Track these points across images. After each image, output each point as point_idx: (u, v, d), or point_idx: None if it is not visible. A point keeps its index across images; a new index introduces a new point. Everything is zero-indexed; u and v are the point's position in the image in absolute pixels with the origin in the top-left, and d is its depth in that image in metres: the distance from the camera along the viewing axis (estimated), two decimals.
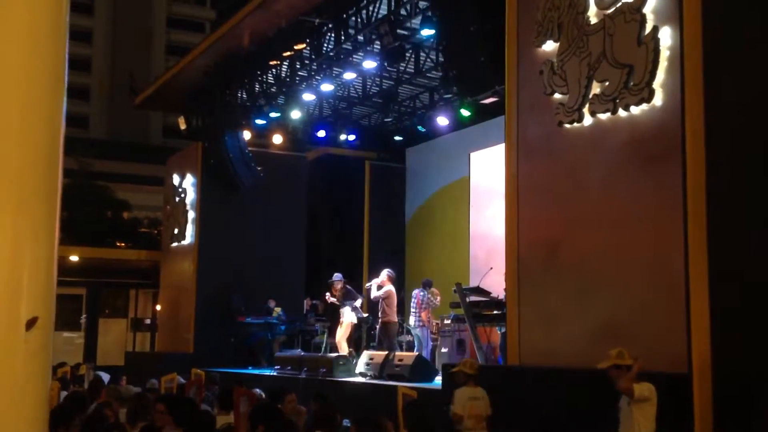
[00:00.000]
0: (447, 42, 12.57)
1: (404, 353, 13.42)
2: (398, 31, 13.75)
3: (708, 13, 7.70)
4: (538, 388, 8.74)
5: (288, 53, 15.64)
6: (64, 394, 9.89)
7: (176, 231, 20.95)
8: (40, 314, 1.82)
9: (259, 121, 18.97)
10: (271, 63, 16.61)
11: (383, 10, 13.81)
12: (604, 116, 8.70)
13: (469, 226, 17.19)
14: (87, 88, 46.86)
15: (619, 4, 8.58)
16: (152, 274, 23.45)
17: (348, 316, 15.03)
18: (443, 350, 13.64)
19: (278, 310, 18.30)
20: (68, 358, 20.51)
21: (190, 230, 20.33)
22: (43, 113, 1.87)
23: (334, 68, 16.58)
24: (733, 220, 7.73)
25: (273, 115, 18.49)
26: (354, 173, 20.94)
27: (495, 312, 11.38)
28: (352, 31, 14.72)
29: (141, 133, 44.50)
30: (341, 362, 13.84)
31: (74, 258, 23.82)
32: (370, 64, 15.44)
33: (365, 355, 13.55)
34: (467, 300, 11.69)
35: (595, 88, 8.78)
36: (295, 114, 18.31)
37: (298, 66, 16.42)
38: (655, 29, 8.18)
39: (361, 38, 14.85)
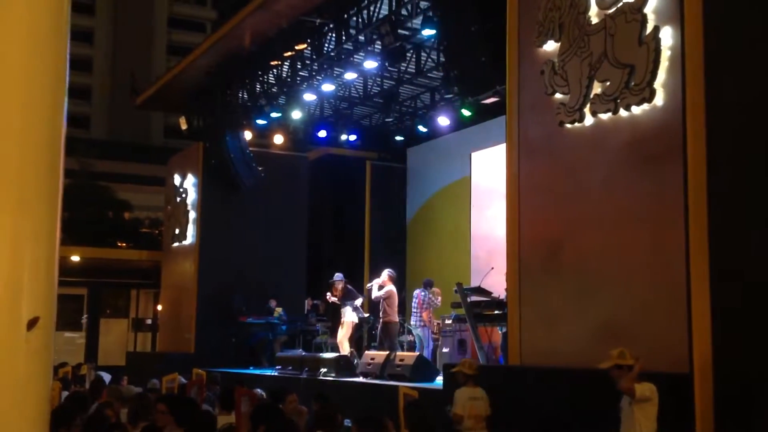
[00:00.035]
0: (448, 42, 12.58)
1: (405, 353, 13.42)
2: (399, 31, 13.75)
3: (709, 12, 7.70)
4: (539, 388, 8.74)
5: (289, 53, 15.64)
6: (65, 394, 9.90)
7: (177, 231, 20.97)
8: (41, 314, 1.82)
9: (260, 121, 18.98)
10: (272, 63, 16.62)
11: (384, 10, 13.81)
12: (605, 116, 8.70)
13: (470, 226, 17.17)
14: (88, 88, 46.87)
15: (620, 4, 8.58)
16: (153, 274, 23.46)
17: (349, 316, 15.03)
18: (444, 350, 13.64)
19: (279, 310, 18.30)
20: (69, 358, 20.52)
21: (191, 230, 20.34)
22: (44, 113, 1.87)
23: (335, 68, 16.58)
24: (734, 220, 7.73)
25: (274, 115, 18.50)
26: (355, 173, 20.93)
27: (496, 312, 11.38)
28: (353, 31, 14.72)
29: (142, 133, 44.51)
30: (342, 362, 13.85)
31: (75, 258, 23.82)
32: (371, 64, 15.44)
33: (366, 355, 13.55)
34: (468, 300, 11.69)
35: (596, 88, 8.78)
36: (296, 114, 18.32)
37: (299, 66, 16.43)
38: (656, 29, 8.18)
39: (362, 38, 14.85)
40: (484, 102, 13.17)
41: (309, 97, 17.68)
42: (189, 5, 51.07)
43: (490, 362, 11.50)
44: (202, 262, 19.72)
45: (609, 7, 8.71)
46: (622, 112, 8.49)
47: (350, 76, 16.62)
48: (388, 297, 14.20)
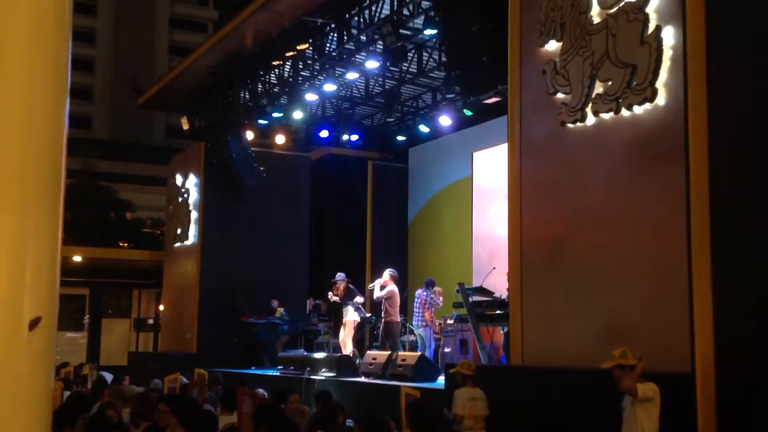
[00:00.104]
0: (449, 42, 12.57)
1: (407, 353, 13.42)
2: (401, 30, 13.75)
3: (711, 12, 7.70)
4: (540, 388, 8.73)
5: (291, 53, 15.64)
6: (67, 394, 9.91)
7: (179, 231, 20.98)
8: (43, 314, 1.82)
9: (261, 121, 19.00)
10: (273, 63, 16.62)
11: (386, 10, 13.81)
12: (607, 116, 8.69)
13: (471, 226, 17.18)
14: (90, 88, 46.94)
15: (622, 3, 8.57)
16: (155, 274, 23.48)
17: (351, 315, 15.05)
18: (446, 350, 13.65)
19: (281, 310, 18.31)
20: (71, 358, 20.56)
21: (193, 230, 20.36)
22: (46, 113, 1.87)
23: (337, 68, 16.58)
24: (737, 220, 7.72)
25: (276, 115, 18.51)
26: (356, 173, 20.94)
27: (498, 312, 11.38)
28: (354, 31, 14.72)
29: (144, 133, 44.57)
30: (344, 362, 13.85)
31: (77, 258, 23.84)
32: (372, 64, 15.44)
33: (368, 355, 13.55)
34: (470, 300, 11.70)
35: (598, 88, 8.77)
36: (298, 114, 18.33)
37: (300, 66, 16.43)
38: (658, 29, 8.17)
39: (364, 38, 14.85)
40: (485, 102, 13.17)
41: (311, 97, 17.69)
42: (191, 5, 51.12)
43: (492, 362, 11.50)
44: (204, 262, 19.74)
45: (611, 7, 8.70)
46: (624, 112, 8.48)
47: (352, 76, 16.62)
48: (389, 297, 14.20)
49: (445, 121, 17.78)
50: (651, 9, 8.28)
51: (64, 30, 1.93)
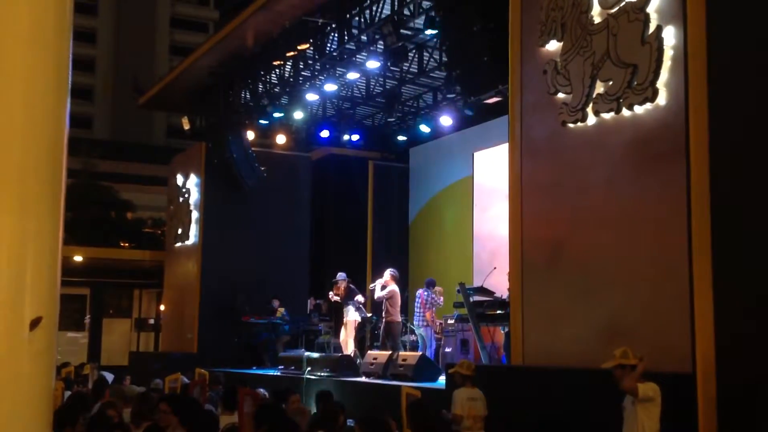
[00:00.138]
0: (450, 42, 12.57)
1: (408, 353, 13.42)
2: (401, 30, 13.75)
3: (712, 12, 7.70)
4: (541, 388, 8.73)
5: (291, 53, 15.64)
6: (68, 394, 9.91)
7: (180, 231, 20.98)
8: (44, 314, 1.82)
9: (262, 121, 19.00)
10: (274, 63, 16.63)
11: (386, 10, 13.81)
12: (607, 116, 8.69)
13: (472, 226, 17.18)
14: (91, 88, 46.96)
15: (623, 3, 8.57)
16: (156, 274, 23.48)
17: (352, 315, 15.05)
18: (447, 350, 13.65)
19: (282, 310, 18.31)
20: (72, 358, 20.55)
21: (193, 230, 20.36)
22: (47, 113, 1.88)
23: (338, 68, 16.58)
24: (737, 220, 7.72)
25: (276, 115, 18.51)
26: (357, 173, 20.93)
27: (498, 312, 11.38)
28: (355, 31, 14.72)
29: (145, 133, 44.58)
30: (345, 362, 13.85)
31: (78, 258, 23.85)
32: (373, 64, 15.44)
33: (369, 355, 13.55)
34: (471, 300, 11.70)
35: (599, 88, 8.77)
36: (299, 114, 18.34)
37: (301, 66, 16.43)
38: (659, 28, 8.17)
39: (365, 38, 14.85)
40: (486, 102, 13.18)
41: (311, 97, 17.69)
42: (191, 5, 51.13)
43: (493, 362, 11.50)
44: (204, 262, 19.74)
45: (611, 7, 8.70)
46: (625, 112, 8.48)
47: (353, 75, 16.62)
48: (390, 297, 14.19)
49: (445, 121, 17.77)
50: (652, 9, 8.28)
51: (65, 30, 1.93)
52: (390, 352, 13.10)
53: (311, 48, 15.60)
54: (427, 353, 13.81)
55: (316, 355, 15.06)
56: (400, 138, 20.43)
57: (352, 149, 21.21)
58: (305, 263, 20.87)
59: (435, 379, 12.02)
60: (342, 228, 21.28)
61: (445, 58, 14.46)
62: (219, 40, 17.19)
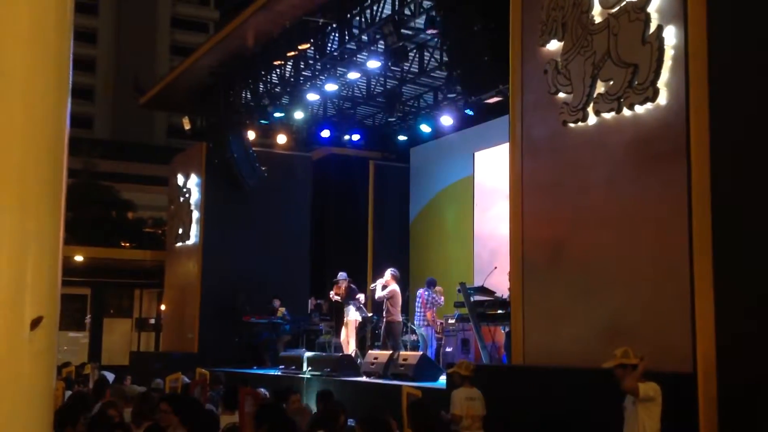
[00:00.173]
0: (451, 41, 12.57)
1: (409, 353, 13.42)
2: (402, 30, 13.75)
3: (712, 11, 7.69)
4: (542, 388, 8.73)
5: (292, 53, 15.64)
6: (68, 393, 9.92)
7: (181, 231, 20.98)
8: (44, 314, 1.82)
9: (263, 121, 19.01)
10: (275, 63, 16.63)
11: (387, 10, 13.81)
12: (608, 115, 8.69)
13: (473, 226, 17.18)
14: (91, 88, 46.98)
15: (624, 3, 8.57)
16: (157, 274, 23.49)
17: (352, 315, 15.05)
18: (448, 350, 13.65)
19: (283, 309, 18.31)
20: (73, 357, 20.58)
21: (194, 230, 20.37)
22: (48, 113, 1.88)
23: (338, 68, 16.59)
24: (738, 220, 7.72)
25: (277, 114, 18.52)
26: (358, 173, 20.95)
27: (499, 311, 11.37)
28: (356, 31, 14.72)
29: (145, 133, 44.59)
30: (345, 362, 13.85)
31: (79, 258, 23.86)
32: (374, 64, 15.45)
33: (370, 355, 13.56)
34: (471, 299, 11.70)
35: (600, 88, 8.77)
36: (299, 114, 18.35)
37: (302, 66, 16.43)
38: (660, 28, 8.17)
39: (365, 38, 14.86)
40: (487, 101, 13.17)
41: (312, 96, 17.69)
42: (192, 5, 51.15)
43: (494, 362, 11.50)
44: (205, 261, 19.75)
45: (612, 6, 8.70)
46: (626, 112, 8.48)
47: (353, 75, 16.63)
48: (391, 296, 14.19)
49: (446, 120, 17.77)
50: (652, 8, 8.27)
51: (65, 30, 1.93)
52: (391, 352, 13.10)
53: (312, 48, 15.61)
54: (428, 353, 13.81)
55: (316, 354, 15.07)
56: (401, 138, 20.44)
57: (352, 149, 21.22)
58: (306, 263, 20.87)
59: (436, 378, 12.02)
60: (343, 228, 21.29)
61: (445, 58, 14.46)
62: (220, 40, 17.20)
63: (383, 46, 14.28)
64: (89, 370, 15.55)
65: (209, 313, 19.30)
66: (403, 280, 15.66)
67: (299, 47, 15.32)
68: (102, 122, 46.83)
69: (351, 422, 7.40)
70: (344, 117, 20.02)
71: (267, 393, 9.56)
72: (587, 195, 8.94)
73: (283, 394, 8.65)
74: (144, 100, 21.49)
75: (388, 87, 17.69)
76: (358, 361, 14.03)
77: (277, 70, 17.18)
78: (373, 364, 13.01)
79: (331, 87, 16.93)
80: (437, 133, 18.96)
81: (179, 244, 21.14)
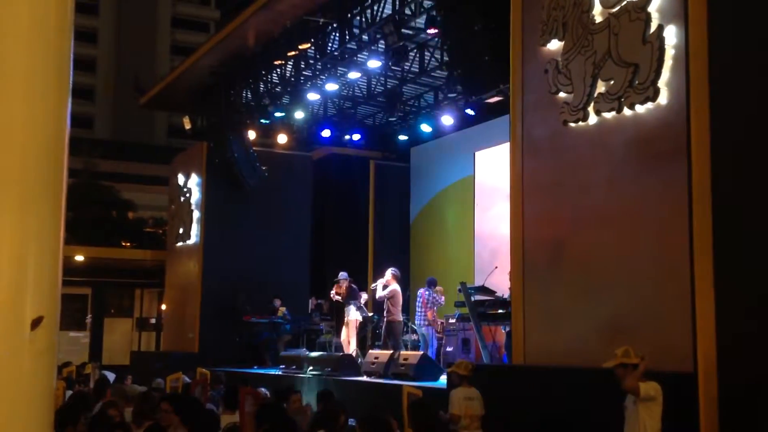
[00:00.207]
0: (451, 41, 12.57)
1: (409, 352, 13.42)
2: (403, 30, 13.75)
3: (713, 11, 7.69)
4: (543, 388, 8.73)
5: (293, 53, 15.64)
6: (69, 393, 9.92)
7: (181, 231, 20.99)
8: (45, 314, 1.82)
9: (263, 121, 18.99)
10: (275, 62, 16.63)
11: (388, 10, 13.82)
12: (609, 115, 8.68)
13: (473, 225, 17.18)
14: (92, 88, 46.99)
15: (624, 2, 8.57)
16: (157, 273, 23.50)
17: (353, 315, 15.05)
18: (448, 349, 13.65)
19: (283, 309, 18.32)
20: (74, 357, 20.56)
21: (195, 230, 20.37)
22: (48, 113, 1.88)
23: (339, 68, 16.59)
24: (739, 220, 7.72)
25: (278, 114, 18.51)
26: (358, 173, 20.95)
27: (500, 311, 11.37)
28: (356, 31, 14.72)
29: (146, 133, 44.60)
30: (346, 361, 13.85)
31: (79, 258, 23.86)
32: (374, 64, 15.45)
33: (370, 355, 13.55)
34: (472, 299, 11.70)
35: (600, 87, 8.76)
36: (300, 114, 18.35)
37: (302, 65, 16.44)
38: (660, 28, 8.16)
39: (366, 38, 14.86)
40: (487, 101, 13.17)
41: (313, 96, 17.69)
42: (192, 5, 51.15)
43: (494, 361, 11.50)
44: (206, 261, 19.75)
45: (613, 6, 8.69)
46: (626, 111, 8.48)
47: (354, 75, 16.63)
48: (392, 296, 14.19)
49: (447, 120, 17.77)
50: (653, 8, 8.27)
51: (66, 30, 1.93)
52: (391, 352, 13.10)
53: (312, 47, 15.61)
54: (429, 353, 13.80)
55: (317, 354, 15.07)
56: (402, 137, 20.44)
57: (353, 149, 21.22)
58: (306, 263, 20.87)
59: (436, 378, 12.02)
60: (343, 227, 21.29)
61: (446, 58, 14.46)
62: (220, 39, 17.20)
63: (384, 46, 14.28)
64: (90, 370, 15.57)
65: (210, 313, 19.30)
66: (403, 280, 15.66)
67: (300, 47, 15.32)
68: (102, 122, 46.84)
69: (351, 422, 7.40)
70: (345, 117, 20.02)
71: (267, 393, 9.56)
72: (588, 195, 8.94)
73: (283, 393, 8.65)
74: (144, 99, 21.49)
75: (388, 87, 17.69)
76: (359, 360, 14.02)
77: (278, 70, 17.18)
78: (373, 363, 13.00)
79: (331, 87, 16.94)
80: (438, 132, 18.96)
81: (180, 243, 21.15)
